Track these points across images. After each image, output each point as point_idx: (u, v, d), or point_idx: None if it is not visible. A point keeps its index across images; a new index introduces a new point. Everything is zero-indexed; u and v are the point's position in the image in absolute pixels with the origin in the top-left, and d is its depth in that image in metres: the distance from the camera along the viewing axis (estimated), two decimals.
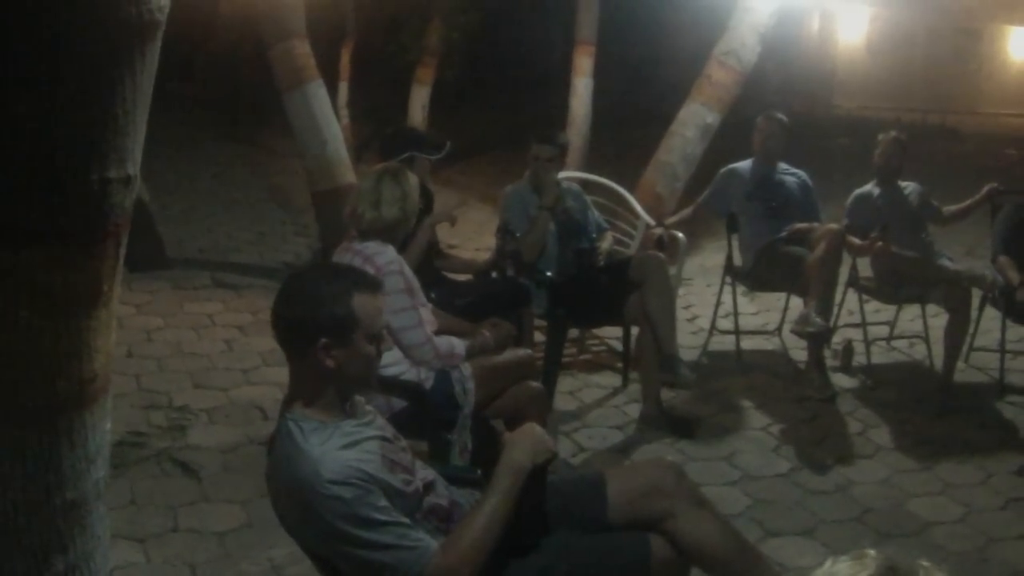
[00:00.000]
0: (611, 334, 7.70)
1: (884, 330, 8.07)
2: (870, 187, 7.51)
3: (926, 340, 7.59)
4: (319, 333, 2.98)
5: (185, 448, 5.72)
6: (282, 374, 3.28)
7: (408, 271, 4.93)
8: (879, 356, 7.67)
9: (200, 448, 5.74)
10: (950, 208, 7.73)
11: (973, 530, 5.29)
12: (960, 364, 7.28)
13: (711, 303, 8.02)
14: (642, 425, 6.36)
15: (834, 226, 6.98)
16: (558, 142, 6.87)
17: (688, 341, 7.72)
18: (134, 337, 7.34)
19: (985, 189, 7.57)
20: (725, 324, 7.87)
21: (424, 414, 4.78)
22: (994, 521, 5.40)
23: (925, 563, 1.68)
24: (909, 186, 7.56)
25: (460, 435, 4.80)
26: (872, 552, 1.69)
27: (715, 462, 5.94)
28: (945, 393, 7.02)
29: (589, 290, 6.56)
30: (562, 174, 7.16)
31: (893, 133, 7.63)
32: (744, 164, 7.63)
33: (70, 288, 2.62)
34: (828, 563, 1.71)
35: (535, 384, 5.27)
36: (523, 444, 3.18)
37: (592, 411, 6.62)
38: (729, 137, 9.59)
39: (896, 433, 6.44)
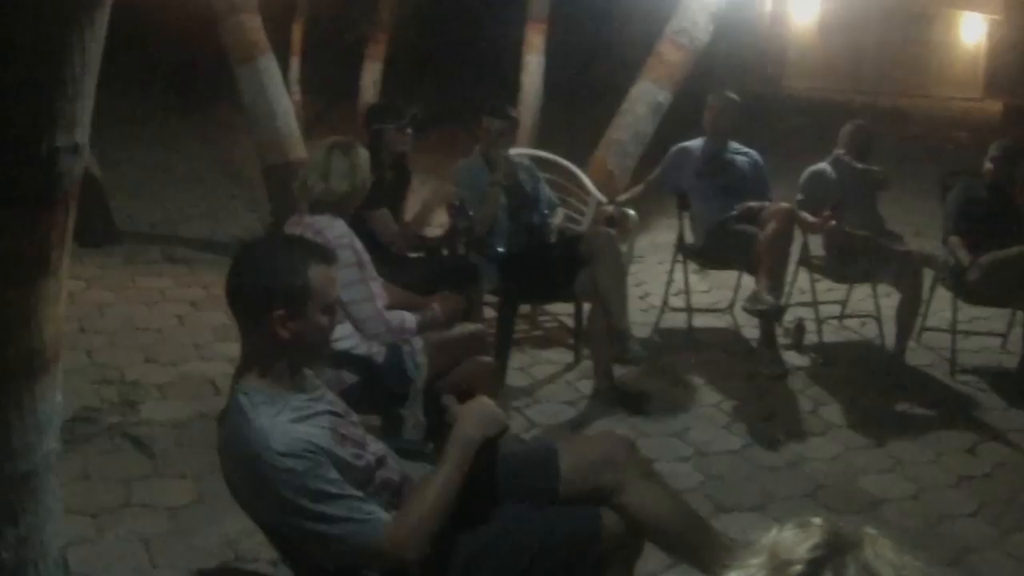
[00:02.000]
0: (563, 310, 7.70)
1: (836, 309, 8.12)
2: (824, 164, 7.55)
3: (877, 319, 7.64)
4: (274, 303, 2.96)
5: (137, 423, 5.68)
6: (234, 349, 3.26)
7: (358, 244, 4.92)
8: (831, 335, 7.72)
9: (152, 423, 5.71)
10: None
11: (924, 507, 5.34)
12: (911, 343, 7.35)
13: (663, 280, 8.06)
14: (594, 401, 6.38)
15: (785, 205, 7.02)
16: (509, 115, 6.86)
17: (640, 318, 7.73)
18: (85, 312, 7.30)
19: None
20: (677, 301, 7.90)
21: (376, 388, 4.77)
22: (945, 498, 5.46)
23: (870, 531, 1.69)
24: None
25: (412, 409, 4.80)
26: (817, 520, 1.70)
27: (667, 438, 5.96)
28: (896, 372, 7.08)
29: (540, 266, 6.57)
30: (513, 150, 7.16)
31: (859, 121, 7.74)
32: (695, 142, 7.64)
33: (18, 258, 2.60)
34: (774, 532, 1.72)
35: (486, 359, 5.29)
36: (474, 417, 3.18)
37: (544, 387, 6.63)
38: (680, 116, 9.60)
39: (847, 410, 6.49)
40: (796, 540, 1.66)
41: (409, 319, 5.02)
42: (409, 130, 6.47)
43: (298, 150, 9.16)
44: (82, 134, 2.66)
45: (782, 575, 1.61)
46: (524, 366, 6.89)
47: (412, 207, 6.78)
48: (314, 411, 3.02)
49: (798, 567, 1.61)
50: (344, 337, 4.72)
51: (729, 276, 8.21)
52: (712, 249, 7.43)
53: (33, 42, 2.44)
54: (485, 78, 15.93)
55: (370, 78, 15.32)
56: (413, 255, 6.69)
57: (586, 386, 6.58)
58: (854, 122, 7.73)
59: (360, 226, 5.25)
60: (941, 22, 28.00)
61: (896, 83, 25.46)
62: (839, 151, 7.55)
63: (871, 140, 7.64)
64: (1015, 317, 7.77)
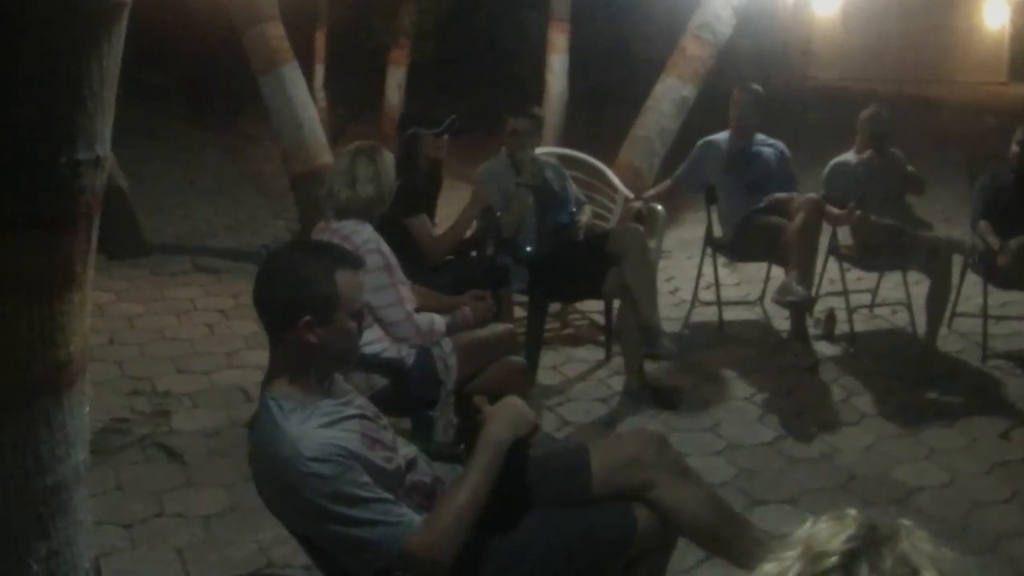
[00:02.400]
0: (593, 308, 7.70)
1: (866, 298, 8.09)
2: (847, 156, 7.50)
3: (908, 307, 7.57)
4: (303, 310, 2.95)
5: (169, 433, 5.70)
6: (264, 357, 3.25)
7: (386, 248, 4.91)
8: (862, 324, 7.69)
9: (184, 432, 5.72)
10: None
11: (958, 495, 5.31)
12: (943, 330, 7.29)
13: (692, 275, 8.05)
14: (625, 398, 6.37)
15: (813, 195, 6.99)
16: (534, 115, 6.84)
17: (670, 313, 7.71)
18: (115, 324, 7.32)
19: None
20: (707, 295, 7.88)
21: (406, 391, 4.77)
22: (979, 486, 5.42)
23: (906, 522, 1.67)
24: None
25: (443, 412, 4.79)
26: (852, 512, 1.68)
27: (699, 433, 5.94)
28: (928, 359, 7.04)
29: (569, 265, 6.55)
30: (540, 149, 7.14)
31: (874, 107, 7.64)
32: (721, 136, 7.60)
33: (43, 271, 2.60)
34: (808, 524, 1.70)
35: (517, 359, 5.25)
36: (503, 418, 3.17)
37: (575, 385, 6.63)
38: (705, 110, 9.57)
39: (880, 400, 6.45)
40: (831, 532, 1.64)
41: (438, 321, 5.01)
42: (446, 137, 6.45)
43: (325, 157, 9.16)
44: (103, 147, 2.66)
45: (817, 567, 1.60)
46: (555, 364, 6.89)
47: (442, 212, 6.77)
48: (344, 415, 3.01)
49: (833, 559, 1.59)
50: (373, 341, 4.72)
51: (758, 268, 8.18)
52: (741, 242, 7.40)
53: (51, 56, 2.44)
54: (509, 80, 15.93)
55: (394, 83, 15.35)
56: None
57: (617, 383, 6.57)
58: (871, 108, 7.63)
59: (388, 230, 5.24)
60: (964, 7, 27.78)
61: (921, 70, 25.31)
62: (866, 153, 7.46)
63: (889, 125, 7.56)
64: None
